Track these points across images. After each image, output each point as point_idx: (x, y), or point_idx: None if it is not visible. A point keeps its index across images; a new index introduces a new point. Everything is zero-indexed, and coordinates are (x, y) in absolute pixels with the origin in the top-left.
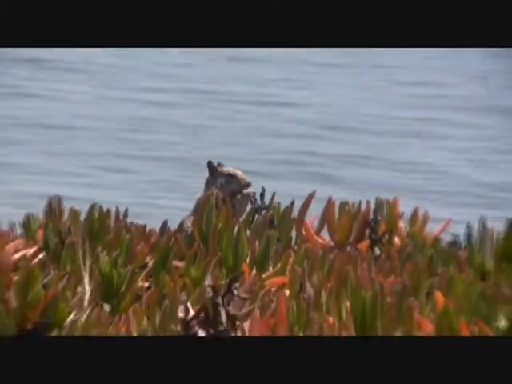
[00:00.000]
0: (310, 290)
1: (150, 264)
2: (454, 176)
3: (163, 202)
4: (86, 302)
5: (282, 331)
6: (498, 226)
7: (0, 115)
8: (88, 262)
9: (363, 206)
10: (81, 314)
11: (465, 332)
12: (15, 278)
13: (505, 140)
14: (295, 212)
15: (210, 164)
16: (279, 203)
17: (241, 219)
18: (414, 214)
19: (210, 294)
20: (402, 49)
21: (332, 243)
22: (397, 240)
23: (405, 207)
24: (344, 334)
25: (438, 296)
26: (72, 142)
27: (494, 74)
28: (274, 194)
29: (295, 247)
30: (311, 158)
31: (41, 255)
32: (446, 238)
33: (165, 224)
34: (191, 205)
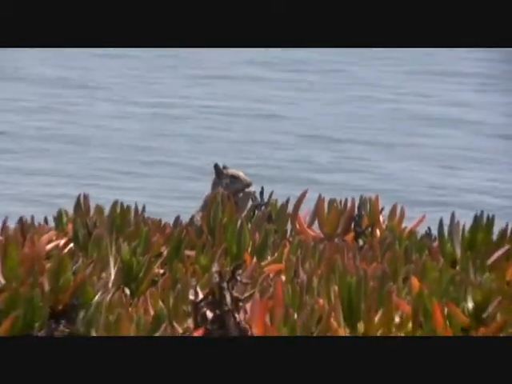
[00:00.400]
0: (303, 275)
1: (165, 253)
2: (425, 180)
3: (168, 201)
4: (110, 285)
5: (279, 312)
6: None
7: (24, 126)
8: (112, 252)
9: (349, 204)
10: (105, 295)
11: (437, 312)
12: (48, 265)
13: (469, 148)
14: (290, 208)
15: (216, 167)
16: (276, 201)
17: (243, 214)
18: (393, 210)
19: (217, 280)
20: (382, 66)
21: (322, 235)
22: (378, 232)
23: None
24: (333, 314)
25: (414, 281)
26: (92, 149)
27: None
28: (271, 193)
29: (290, 239)
30: (300, 164)
31: (70, 245)
32: (421, 231)
33: (177, 218)
34: (191, 203)
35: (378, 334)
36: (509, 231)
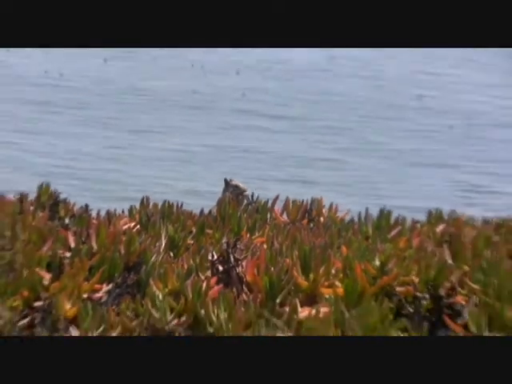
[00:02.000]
0: (276, 245)
1: (194, 231)
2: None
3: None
4: (161, 250)
5: (262, 267)
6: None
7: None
8: (163, 231)
9: (304, 202)
10: (158, 256)
11: (357, 267)
12: (124, 238)
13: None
14: (269, 204)
15: (225, 180)
16: (261, 200)
17: (241, 208)
18: (330, 206)
19: (225, 247)
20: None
21: (288, 221)
22: (322, 219)
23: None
24: (294, 268)
25: (343, 249)
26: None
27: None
28: (258, 196)
29: (269, 223)
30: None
31: (137, 227)
32: (347, 219)
33: (201, 211)
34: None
35: (322, 281)
36: (400, 218)
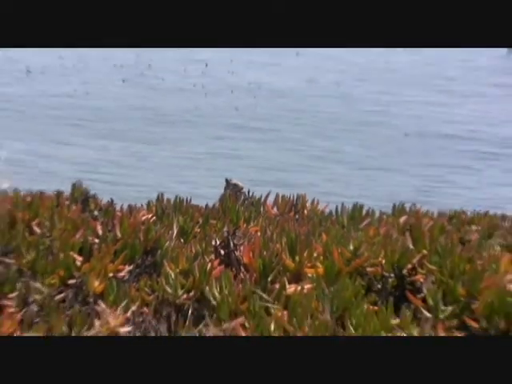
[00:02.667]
0: (268, 233)
1: (200, 221)
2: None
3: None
4: (173, 237)
5: (257, 251)
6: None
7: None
8: (175, 221)
9: (291, 198)
10: (171, 242)
11: (335, 252)
12: (142, 227)
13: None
14: (262, 200)
15: (226, 179)
16: (256, 196)
17: (239, 203)
18: (313, 201)
19: (226, 234)
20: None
21: (278, 213)
22: (305, 212)
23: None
24: (283, 253)
25: (323, 236)
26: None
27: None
28: (253, 192)
29: (262, 215)
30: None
31: (153, 218)
32: (327, 211)
33: (207, 205)
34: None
35: (306, 262)
36: (370, 211)
